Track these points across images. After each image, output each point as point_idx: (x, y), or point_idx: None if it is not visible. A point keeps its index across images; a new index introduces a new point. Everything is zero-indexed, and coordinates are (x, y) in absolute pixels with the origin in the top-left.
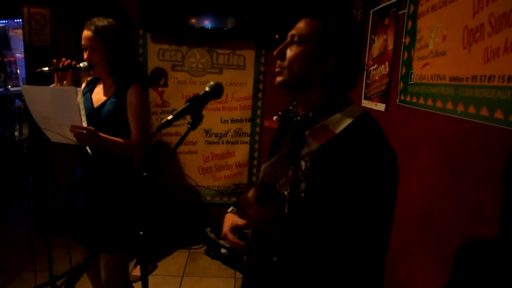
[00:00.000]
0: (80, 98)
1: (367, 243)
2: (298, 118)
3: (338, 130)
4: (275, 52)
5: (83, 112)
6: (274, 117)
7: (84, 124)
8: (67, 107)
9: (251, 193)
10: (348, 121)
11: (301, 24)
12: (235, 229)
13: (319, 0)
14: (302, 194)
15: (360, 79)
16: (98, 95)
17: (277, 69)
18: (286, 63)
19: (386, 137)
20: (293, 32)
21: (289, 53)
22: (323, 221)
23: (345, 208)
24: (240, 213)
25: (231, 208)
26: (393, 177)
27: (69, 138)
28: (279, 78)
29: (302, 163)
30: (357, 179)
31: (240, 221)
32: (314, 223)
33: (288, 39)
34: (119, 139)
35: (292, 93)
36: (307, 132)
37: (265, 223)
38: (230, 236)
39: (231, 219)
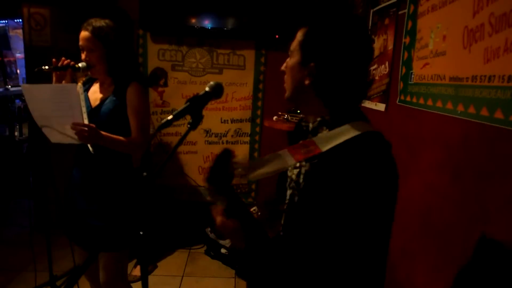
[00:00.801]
0: (81, 95)
1: (350, 263)
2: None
3: (324, 148)
4: (281, 68)
5: (84, 109)
6: (274, 117)
7: (86, 121)
8: (68, 104)
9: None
10: (340, 140)
11: (296, 36)
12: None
13: (315, 7)
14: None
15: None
16: (95, 94)
17: (284, 85)
18: (285, 77)
19: (386, 159)
20: (290, 44)
21: (287, 67)
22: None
23: (326, 231)
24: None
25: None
26: (383, 199)
27: (70, 136)
28: (285, 94)
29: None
30: (339, 200)
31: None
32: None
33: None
34: (120, 137)
35: (296, 106)
36: (287, 148)
37: (227, 232)
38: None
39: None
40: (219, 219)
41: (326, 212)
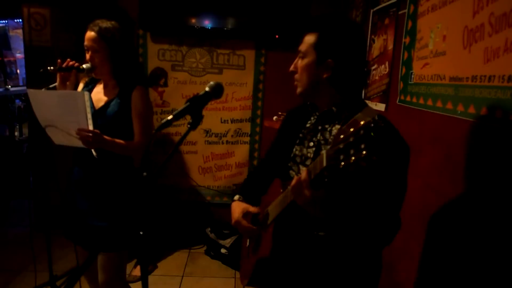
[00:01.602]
0: (87, 102)
1: (390, 208)
2: (317, 113)
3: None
4: (289, 69)
5: (89, 116)
6: (274, 117)
7: (91, 127)
8: (74, 110)
9: (304, 176)
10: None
11: (303, 40)
12: (246, 215)
13: (315, 16)
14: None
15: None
16: (98, 95)
17: (295, 82)
18: (298, 76)
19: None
20: (299, 48)
21: (299, 67)
22: (359, 197)
23: (376, 186)
24: (247, 201)
25: (237, 196)
26: (408, 162)
27: (74, 140)
28: (297, 90)
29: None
30: (389, 163)
31: (251, 208)
32: (353, 200)
33: (298, 54)
34: (122, 141)
35: (309, 100)
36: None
37: (315, 203)
38: (244, 222)
39: (240, 206)
40: (307, 191)
41: (377, 170)
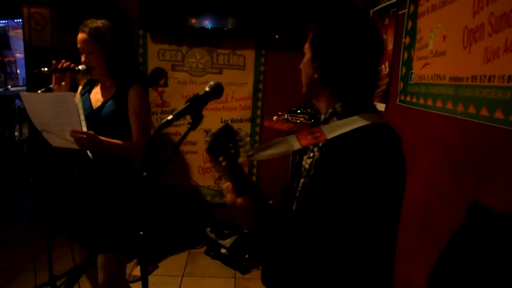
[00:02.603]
0: (79, 103)
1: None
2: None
3: (329, 136)
4: (300, 66)
5: (82, 117)
6: (274, 117)
7: (84, 129)
8: (66, 112)
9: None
10: (346, 129)
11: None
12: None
13: (321, 4)
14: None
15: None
16: (97, 96)
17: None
18: (301, 74)
19: (392, 151)
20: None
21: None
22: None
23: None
24: None
25: None
26: (387, 190)
27: (70, 142)
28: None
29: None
30: (343, 188)
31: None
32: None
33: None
34: (119, 141)
35: (311, 100)
36: (295, 134)
37: (237, 209)
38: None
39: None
40: (229, 196)
41: (331, 200)
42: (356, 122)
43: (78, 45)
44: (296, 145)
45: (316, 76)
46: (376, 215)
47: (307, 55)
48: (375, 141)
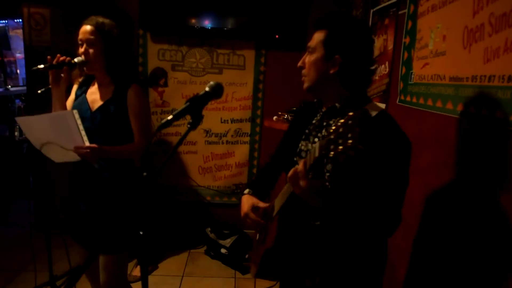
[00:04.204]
0: (78, 120)
1: (390, 203)
2: (323, 109)
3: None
4: (298, 64)
5: (83, 132)
6: (274, 117)
7: (87, 143)
8: (66, 130)
9: (300, 167)
10: (374, 113)
11: (313, 36)
12: (255, 209)
13: (325, 14)
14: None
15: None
16: (94, 96)
17: (302, 77)
18: (305, 71)
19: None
20: (308, 44)
21: (307, 62)
22: (357, 189)
23: (379, 178)
24: (256, 196)
25: (247, 190)
26: (409, 157)
27: (73, 157)
28: (304, 85)
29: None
30: (387, 156)
31: (261, 204)
32: (350, 191)
33: (307, 50)
34: (122, 147)
35: (316, 95)
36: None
37: (312, 193)
38: (252, 215)
39: (250, 200)
40: (304, 182)
41: (379, 168)
42: (373, 108)
43: (80, 36)
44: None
45: (331, 71)
46: (406, 175)
47: (318, 53)
48: (394, 124)
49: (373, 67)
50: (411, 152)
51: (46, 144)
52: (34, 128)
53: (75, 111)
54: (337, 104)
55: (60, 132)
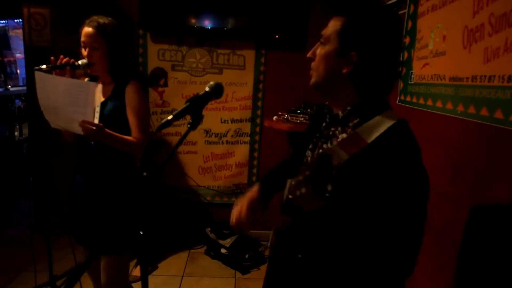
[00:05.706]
0: (100, 93)
1: (387, 257)
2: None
3: (370, 140)
4: (307, 55)
5: (97, 109)
6: (274, 117)
7: (96, 121)
8: (81, 101)
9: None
10: (381, 130)
11: (328, 23)
12: (253, 209)
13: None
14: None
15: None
16: (96, 94)
17: (310, 71)
18: (315, 64)
19: (419, 152)
20: (322, 32)
21: (317, 54)
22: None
23: (368, 223)
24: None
25: (258, 184)
26: (423, 195)
27: (74, 129)
28: (311, 80)
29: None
30: (385, 193)
31: (258, 213)
32: (337, 231)
33: (319, 39)
34: (124, 136)
35: (323, 93)
36: (337, 142)
37: (287, 228)
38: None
39: (254, 199)
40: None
41: (371, 201)
42: (385, 122)
43: (82, 39)
44: (344, 155)
45: (345, 70)
46: (421, 205)
47: (331, 46)
48: (410, 141)
49: (398, 70)
50: (425, 186)
51: (54, 109)
52: (48, 88)
53: (99, 85)
54: (340, 113)
55: (73, 101)
